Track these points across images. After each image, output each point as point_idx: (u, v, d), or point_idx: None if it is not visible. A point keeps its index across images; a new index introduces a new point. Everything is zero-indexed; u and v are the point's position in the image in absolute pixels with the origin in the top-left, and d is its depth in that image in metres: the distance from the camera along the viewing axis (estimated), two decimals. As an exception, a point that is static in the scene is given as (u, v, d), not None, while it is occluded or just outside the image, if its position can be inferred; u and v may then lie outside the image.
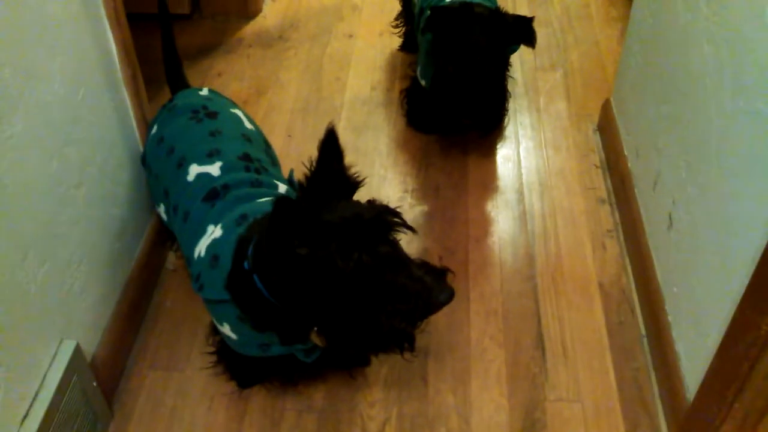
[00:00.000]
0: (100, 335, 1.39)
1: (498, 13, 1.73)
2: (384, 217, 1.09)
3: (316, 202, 1.10)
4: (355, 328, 1.11)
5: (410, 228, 1.11)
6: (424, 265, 1.11)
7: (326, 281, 1.05)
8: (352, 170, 1.15)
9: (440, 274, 1.11)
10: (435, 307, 1.08)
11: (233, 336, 1.26)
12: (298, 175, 1.16)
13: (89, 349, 1.34)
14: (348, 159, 1.96)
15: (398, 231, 1.10)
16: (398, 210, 1.11)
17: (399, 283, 1.06)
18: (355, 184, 1.17)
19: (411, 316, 1.09)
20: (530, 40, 1.72)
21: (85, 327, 1.33)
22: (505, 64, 1.84)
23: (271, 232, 1.05)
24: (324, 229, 1.05)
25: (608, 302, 1.59)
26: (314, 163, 1.13)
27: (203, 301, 1.29)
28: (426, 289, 1.07)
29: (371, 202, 1.12)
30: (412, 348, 1.19)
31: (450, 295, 1.08)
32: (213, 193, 1.29)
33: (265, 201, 1.26)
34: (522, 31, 1.72)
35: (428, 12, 1.88)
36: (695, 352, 1.28)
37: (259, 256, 1.14)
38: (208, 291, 1.24)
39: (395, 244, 1.10)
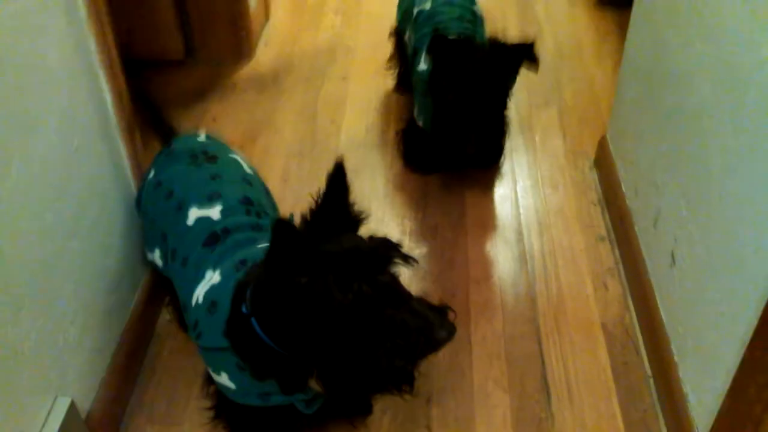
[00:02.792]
0: (95, 391, 1.36)
1: (497, 43, 1.74)
2: (384, 249, 1.07)
3: (317, 233, 1.08)
4: (353, 367, 1.08)
5: (411, 259, 1.09)
6: (423, 301, 1.08)
7: (324, 313, 1.03)
8: (356, 207, 1.14)
9: (441, 311, 1.08)
10: (436, 344, 1.05)
11: (231, 386, 1.23)
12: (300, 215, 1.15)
13: (84, 405, 1.31)
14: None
15: (398, 263, 1.08)
16: (398, 242, 1.10)
17: (399, 317, 1.04)
18: (358, 220, 1.15)
19: (411, 353, 1.06)
20: (533, 64, 1.72)
21: (80, 383, 1.30)
22: (506, 95, 1.83)
23: (270, 258, 1.03)
24: (322, 259, 1.03)
25: (612, 342, 1.57)
26: (320, 197, 1.12)
27: (200, 350, 1.27)
28: (427, 325, 1.04)
29: (372, 238, 1.11)
30: (411, 388, 1.16)
31: (451, 332, 1.05)
32: (213, 237, 1.28)
33: (266, 246, 1.25)
34: (524, 56, 1.72)
35: (423, 51, 1.88)
36: (704, 394, 1.25)
37: (258, 293, 1.12)
38: (206, 338, 1.22)
39: (395, 278, 1.08)
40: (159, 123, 1.57)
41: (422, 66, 1.89)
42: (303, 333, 1.06)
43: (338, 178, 1.12)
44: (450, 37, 1.77)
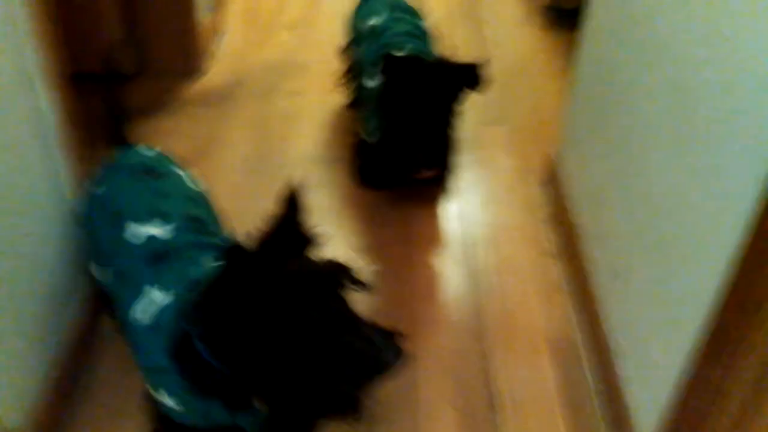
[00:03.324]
0: (25, 411, 1.31)
1: (445, 61, 1.75)
2: (334, 273, 1.06)
3: (268, 254, 1.07)
4: (298, 390, 1.07)
5: (362, 283, 1.09)
6: (372, 324, 1.08)
7: (271, 337, 1.01)
8: (310, 226, 1.13)
9: (389, 334, 1.08)
10: (383, 368, 1.05)
11: (173, 405, 1.20)
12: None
13: (14, 426, 1.26)
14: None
15: (348, 287, 1.08)
16: (350, 266, 1.09)
17: (346, 341, 1.03)
18: (311, 241, 1.14)
19: (358, 377, 1.05)
20: (477, 85, 1.74)
21: (10, 403, 1.26)
22: (452, 112, 1.84)
23: (217, 281, 1.01)
24: (272, 283, 1.02)
25: (557, 358, 1.57)
26: (272, 217, 1.11)
27: (141, 369, 1.24)
28: (374, 349, 1.03)
29: (323, 259, 1.10)
30: (357, 414, 1.15)
31: (398, 356, 1.04)
32: (155, 255, 1.25)
33: (211, 263, 1.23)
34: (469, 76, 1.73)
35: (371, 67, 1.89)
36: (648, 408, 1.26)
37: (202, 314, 1.10)
38: (147, 358, 1.19)
39: (344, 302, 1.07)
40: (117, 134, 1.53)
41: (371, 82, 1.89)
42: (249, 354, 1.05)
43: (291, 198, 1.11)
44: (399, 54, 1.78)
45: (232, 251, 0.98)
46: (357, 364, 1.04)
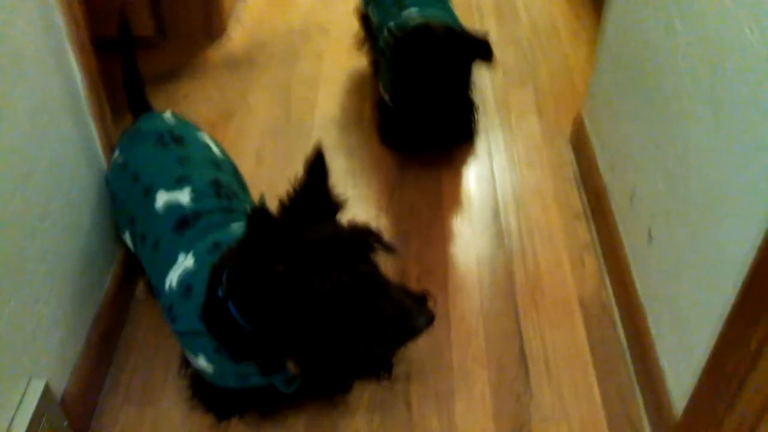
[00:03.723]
0: (69, 372, 1.34)
1: (453, 32, 1.74)
2: (363, 237, 1.06)
3: (295, 220, 1.07)
4: (331, 353, 1.08)
5: (390, 247, 1.09)
6: (403, 288, 1.08)
7: (302, 302, 1.02)
8: (336, 191, 1.13)
9: (420, 298, 1.08)
10: (414, 332, 1.05)
11: (209, 368, 1.22)
12: (274, 198, 1.13)
13: (59, 386, 1.29)
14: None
15: (377, 251, 1.08)
16: (378, 230, 1.09)
17: (377, 305, 1.03)
18: (337, 206, 1.14)
19: (389, 340, 1.06)
20: (487, 58, 1.73)
21: (54, 364, 1.28)
22: (466, 79, 1.84)
23: (246, 246, 1.02)
24: (301, 247, 1.02)
25: (589, 318, 1.58)
26: (298, 182, 1.11)
27: (175, 334, 1.25)
28: (405, 313, 1.04)
29: (351, 223, 1.10)
30: (389, 374, 1.15)
31: (430, 320, 1.05)
32: (183, 221, 1.26)
33: (238, 227, 1.23)
34: (479, 51, 1.73)
35: (385, 32, 1.87)
36: (681, 368, 1.27)
37: (234, 279, 1.10)
38: (181, 322, 1.20)
39: (374, 266, 1.07)
40: (138, 99, 1.53)
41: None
42: (280, 319, 1.06)
43: (317, 163, 1.11)
44: (411, 24, 1.77)
45: (257, 217, 0.98)
46: (388, 327, 1.04)
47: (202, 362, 1.21)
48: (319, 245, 1.02)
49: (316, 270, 1.00)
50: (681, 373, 1.27)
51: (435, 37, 1.72)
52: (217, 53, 2.43)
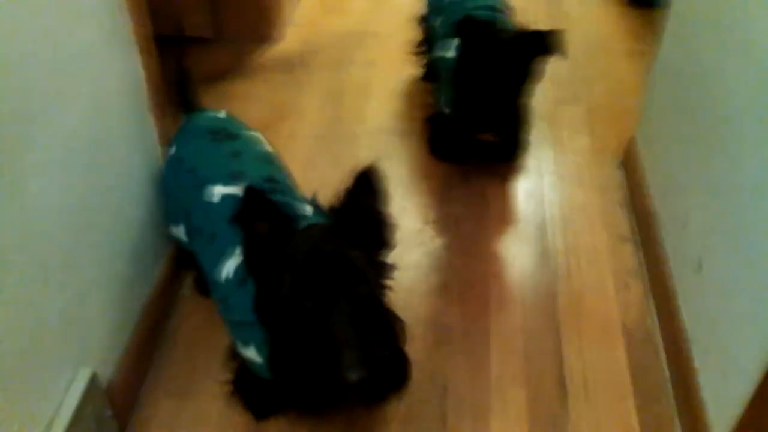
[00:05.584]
0: (116, 363, 1.36)
1: (524, 29, 1.75)
2: (341, 262, 1.04)
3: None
4: (294, 356, 1.07)
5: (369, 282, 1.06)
6: (363, 336, 1.01)
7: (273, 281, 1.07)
8: (384, 212, 1.12)
9: (368, 351, 1.00)
10: (340, 381, 0.98)
11: (259, 359, 1.23)
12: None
13: (104, 376, 1.31)
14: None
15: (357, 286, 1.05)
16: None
17: (315, 334, 1.02)
18: (380, 222, 1.14)
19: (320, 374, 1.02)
20: (558, 49, 1.72)
21: (102, 354, 1.31)
22: (530, 82, 1.82)
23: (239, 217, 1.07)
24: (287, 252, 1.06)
25: (632, 344, 1.56)
26: (343, 194, 1.12)
27: (227, 324, 1.27)
28: (336, 360, 0.98)
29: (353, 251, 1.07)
30: (343, 401, 1.08)
31: (360, 377, 0.97)
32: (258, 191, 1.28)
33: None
34: (548, 41, 1.71)
35: (449, 39, 1.87)
36: (724, 401, 1.25)
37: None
38: (235, 313, 1.22)
39: (347, 298, 1.03)
40: (187, 97, 1.56)
41: (450, 53, 1.88)
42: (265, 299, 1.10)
43: (363, 178, 1.11)
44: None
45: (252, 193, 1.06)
46: (318, 359, 1.02)
47: (251, 353, 1.23)
48: (302, 255, 1.04)
49: (293, 280, 1.03)
50: (724, 406, 1.25)
51: (502, 33, 1.72)
52: (270, 56, 2.46)
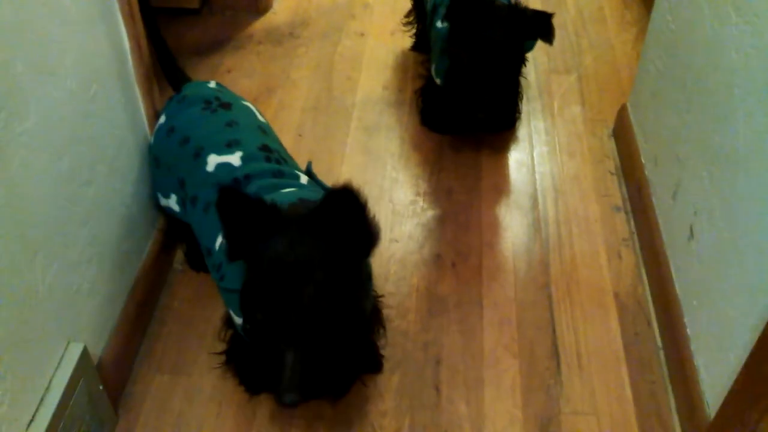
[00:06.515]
0: (106, 337, 1.36)
1: (516, 8, 1.72)
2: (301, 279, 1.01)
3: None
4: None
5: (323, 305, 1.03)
6: (309, 355, 1.02)
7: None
8: (368, 223, 1.05)
9: (306, 374, 1.02)
10: (279, 399, 1.02)
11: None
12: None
13: (96, 351, 1.31)
14: (360, 160, 1.93)
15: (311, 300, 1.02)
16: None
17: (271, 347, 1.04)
18: (369, 237, 1.07)
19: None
20: (548, 36, 1.70)
21: (92, 329, 1.30)
22: (521, 60, 1.81)
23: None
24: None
25: (624, 313, 1.56)
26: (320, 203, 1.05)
27: (221, 292, 1.27)
28: (277, 380, 1.02)
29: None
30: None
31: (292, 402, 1.01)
32: (235, 183, 1.27)
33: (289, 191, 1.24)
34: (540, 26, 1.69)
35: (442, 8, 1.85)
36: (717, 368, 1.25)
37: None
38: (228, 281, 1.22)
39: (303, 311, 1.01)
40: (172, 69, 1.54)
41: (441, 23, 1.86)
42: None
43: (339, 197, 1.01)
44: None
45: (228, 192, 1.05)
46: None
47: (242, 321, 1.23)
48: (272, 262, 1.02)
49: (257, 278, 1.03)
50: (716, 373, 1.25)
51: (496, 9, 1.70)
52: (260, 27, 2.43)
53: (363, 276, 1.18)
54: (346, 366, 1.20)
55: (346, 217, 1.02)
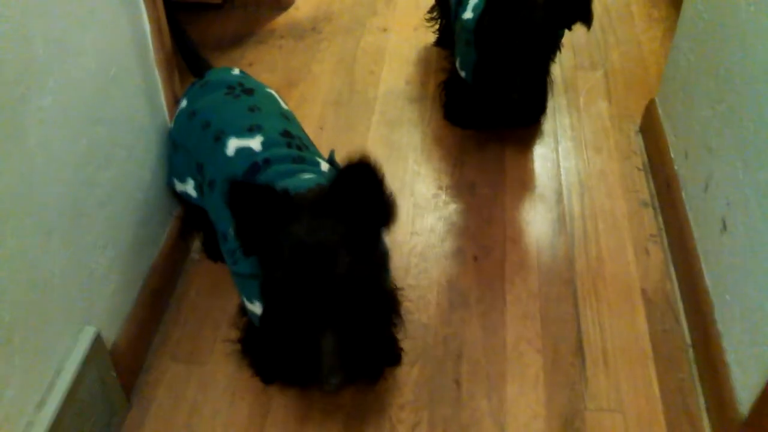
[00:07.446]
0: (121, 324, 1.34)
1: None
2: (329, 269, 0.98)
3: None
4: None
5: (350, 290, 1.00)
6: (344, 339, 1.00)
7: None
8: (384, 197, 1.02)
9: (344, 359, 1.00)
10: (322, 382, 1.00)
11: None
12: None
13: (109, 337, 1.28)
14: (381, 153, 1.90)
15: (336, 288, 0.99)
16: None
17: (304, 340, 1.01)
18: (386, 212, 1.04)
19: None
20: (587, 19, 1.64)
21: (106, 314, 1.28)
22: (557, 44, 1.76)
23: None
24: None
25: (651, 309, 1.51)
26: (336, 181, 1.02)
27: (234, 278, 1.24)
28: (317, 364, 0.99)
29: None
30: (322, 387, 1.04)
31: (336, 386, 0.99)
32: (254, 167, 1.25)
33: (308, 177, 1.21)
34: (580, 9, 1.64)
35: (466, 3, 1.82)
36: (750, 364, 1.20)
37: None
38: (241, 265, 1.19)
39: (333, 298, 0.99)
40: (194, 57, 1.52)
41: (467, 14, 1.82)
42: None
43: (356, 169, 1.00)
44: None
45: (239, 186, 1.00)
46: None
47: (257, 308, 1.20)
48: (301, 244, 0.99)
49: (287, 265, 0.99)
50: (749, 370, 1.20)
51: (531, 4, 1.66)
52: (283, 23, 2.41)
53: (383, 249, 1.15)
54: (378, 347, 1.16)
55: (363, 190, 0.99)
